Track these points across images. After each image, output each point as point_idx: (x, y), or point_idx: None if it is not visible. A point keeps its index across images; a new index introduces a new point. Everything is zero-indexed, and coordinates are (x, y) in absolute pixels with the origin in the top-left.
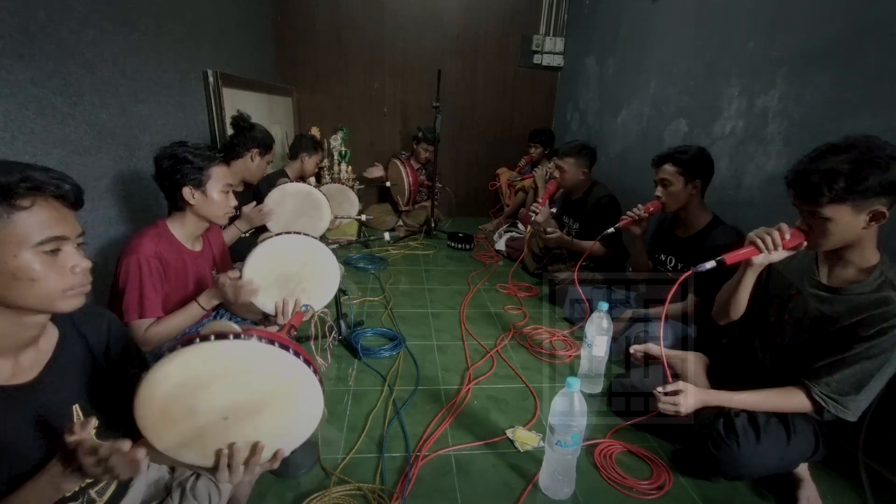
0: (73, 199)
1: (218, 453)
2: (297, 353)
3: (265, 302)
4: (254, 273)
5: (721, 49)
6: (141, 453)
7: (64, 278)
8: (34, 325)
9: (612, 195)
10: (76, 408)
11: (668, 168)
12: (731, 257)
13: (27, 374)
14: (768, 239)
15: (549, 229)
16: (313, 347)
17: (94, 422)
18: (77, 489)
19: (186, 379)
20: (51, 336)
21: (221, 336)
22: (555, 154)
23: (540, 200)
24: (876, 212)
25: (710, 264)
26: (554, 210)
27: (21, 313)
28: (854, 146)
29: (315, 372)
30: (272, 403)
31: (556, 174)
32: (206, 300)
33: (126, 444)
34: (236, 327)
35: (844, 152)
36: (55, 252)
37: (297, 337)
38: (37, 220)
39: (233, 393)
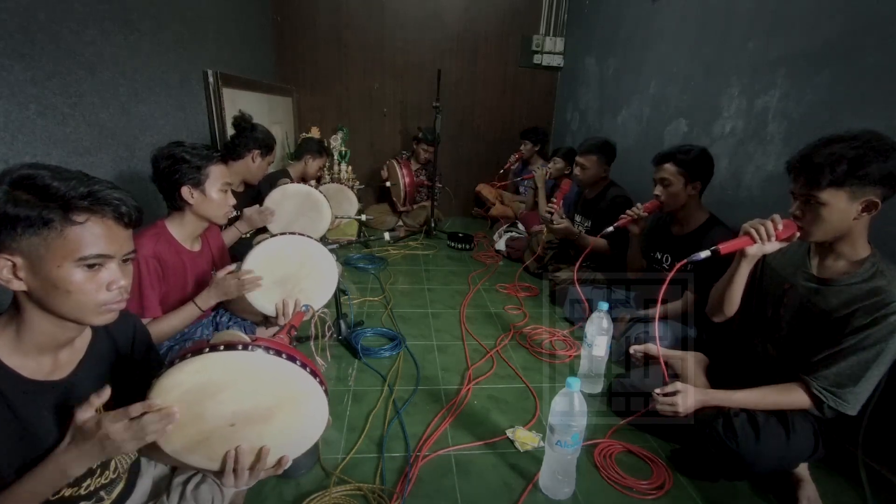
0: (127, 221)
1: (224, 458)
2: (303, 365)
3: (264, 304)
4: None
5: (721, 49)
6: (175, 406)
7: (100, 294)
8: (74, 328)
9: (627, 195)
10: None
11: (669, 168)
12: (725, 247)
13: (63, 370)
14: (762, 229)
15: (556, 219)
16: (313, 347)
17: (108, 391)
18: (91, 489)
19: (195, 387)
20: (85, 335)
21: (230, 346)
22: (571, 153)
23: (555, 201)
24: (869, 201)
25: (705, 253)
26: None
27: (62, 318)
28: (859, 136)
29: (321, 383)
30: (278, 412)
31: (578, 171)
32: (204, 300)
33: (156, 401)
34: (245, 337)
35: (849, 141)
36: (96, 267)
37: (297, 337)
38: (89, 235)
39: (240, 401)
